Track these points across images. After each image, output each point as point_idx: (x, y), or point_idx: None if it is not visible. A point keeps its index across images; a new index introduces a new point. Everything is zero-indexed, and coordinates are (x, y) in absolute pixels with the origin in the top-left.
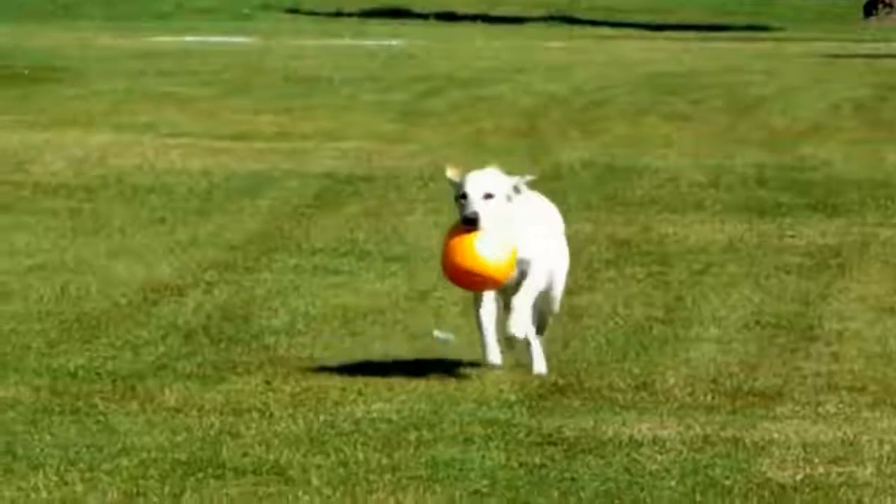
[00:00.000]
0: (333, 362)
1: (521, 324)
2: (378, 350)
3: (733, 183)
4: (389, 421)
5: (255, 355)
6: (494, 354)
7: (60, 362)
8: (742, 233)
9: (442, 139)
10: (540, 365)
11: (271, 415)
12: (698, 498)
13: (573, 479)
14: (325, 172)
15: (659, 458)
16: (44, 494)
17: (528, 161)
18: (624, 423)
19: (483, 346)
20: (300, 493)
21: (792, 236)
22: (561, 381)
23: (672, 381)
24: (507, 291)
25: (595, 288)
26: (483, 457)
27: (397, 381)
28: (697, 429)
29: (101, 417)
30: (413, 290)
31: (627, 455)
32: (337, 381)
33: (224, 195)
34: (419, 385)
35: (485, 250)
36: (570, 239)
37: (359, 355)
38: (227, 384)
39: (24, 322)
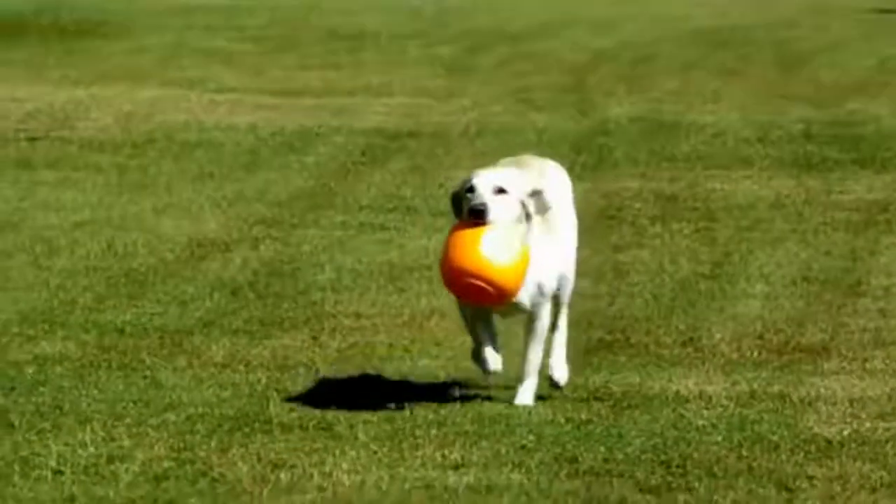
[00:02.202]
0: (380, 318)
1: (533, 395)
2: (424, 306)
3: (781, 138)
4: (436, 376)
5: (302, 311)
6: (493, 359)
7: (108, 318)
8: (790, 188)
9: (489, 95)
10: (526, 396)
11: (318, 370)
12: (745, 453)
13: (619, 435)
14: (371, 128)
15: (705, 413)
16: (91, 449)
17: (575, 116)
18: (670, 379)
19: (476, 349)
20: (347, 448)
21: (840, 192)
22: (607, 337)
23: (719, 336)
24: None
25: (642, 244)
26: (529, 412)
27: (444, 337)
28: (744, 384)
29: (149, 373)
30: None
31: (674, 410)
32: (383, 336)
33: (271, 151)
34: (465, 341)
35: (490, 250)
36: (616, 195)
37: (405, 311)
38: (274, 340)
39: (71, 277)
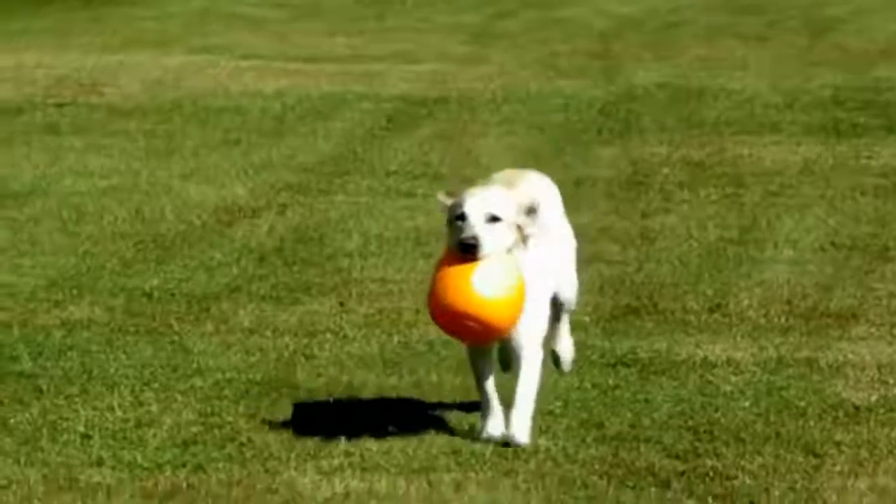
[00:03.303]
0: (407, 284)
1: (526, 429)
2: None
3: (809, 104)
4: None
5: (329, 277)
6: (496, 423)
7: (135, 283)
8: (818, 154)
9: (515, 61)
10: (521, 434)
11: (345, 336)
12: (772, 419)
13: (646, 401)
14: (398, 95)
15: (733, 379)
16: (119, 414)
17: (602, 83)
18: (698, 345)
19: (484, 408)
20: (374, 414)
21: (868, 157)
22: (634, 303)
23: (746, 302)
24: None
25: (669, 210)
26: (556, 378)
27: None
28: (771, 350)
29: (176, 338)
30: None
31: (701, 376)
32: (410, 302)
33: (297, 117)
34: None
35: (485, 287)
36: (643, 161)
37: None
38: (301, 306)
39: (98, 243)
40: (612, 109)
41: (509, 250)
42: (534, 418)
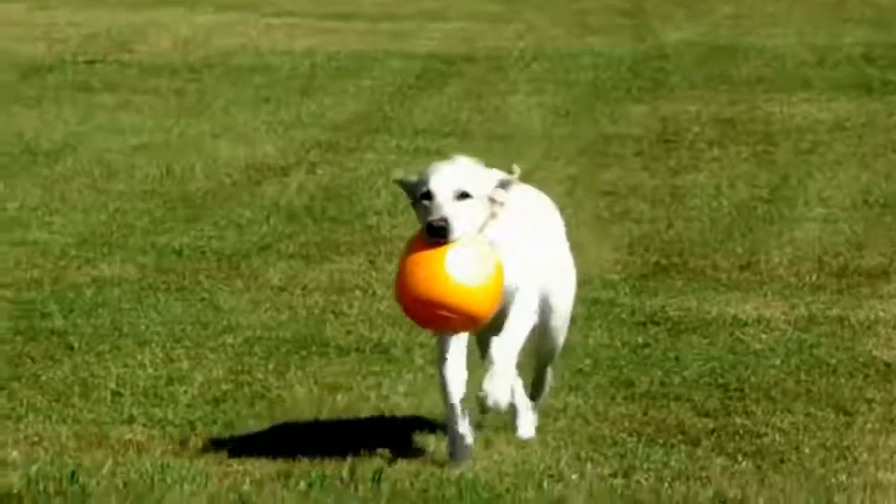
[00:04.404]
0: None
1: (501, 387)
2: None
3: (840, 61)
4: None
5: (358, 235)
6: (462, 446)
7: (165, 241)
8: (849, 111)
9: (545, 19)
10: (526, 429)
11: (374, 293)
12: (803, 377)
13: (676, 359)
14: (427, 53)
15: (763, 337)
16: (150, 371)
17: (632, 40)
18: (728, 303)
19: (450, 428)
20: (403, 372)
21: None
22: (664, 261)
23: (777, 260)
24: (486, 331)
25: (699, 168)
26: (586, 336)
27: None
28: (802, 308)
29: (206, 295)
30: None
31: (731, 334)
32: None
33: (327, 75)
34: None
35: (458, 273)
36: (674, 119)
37: None
38: (331, 263)
39: (129, 201)
40: (642, 67)
41: (482, 229)
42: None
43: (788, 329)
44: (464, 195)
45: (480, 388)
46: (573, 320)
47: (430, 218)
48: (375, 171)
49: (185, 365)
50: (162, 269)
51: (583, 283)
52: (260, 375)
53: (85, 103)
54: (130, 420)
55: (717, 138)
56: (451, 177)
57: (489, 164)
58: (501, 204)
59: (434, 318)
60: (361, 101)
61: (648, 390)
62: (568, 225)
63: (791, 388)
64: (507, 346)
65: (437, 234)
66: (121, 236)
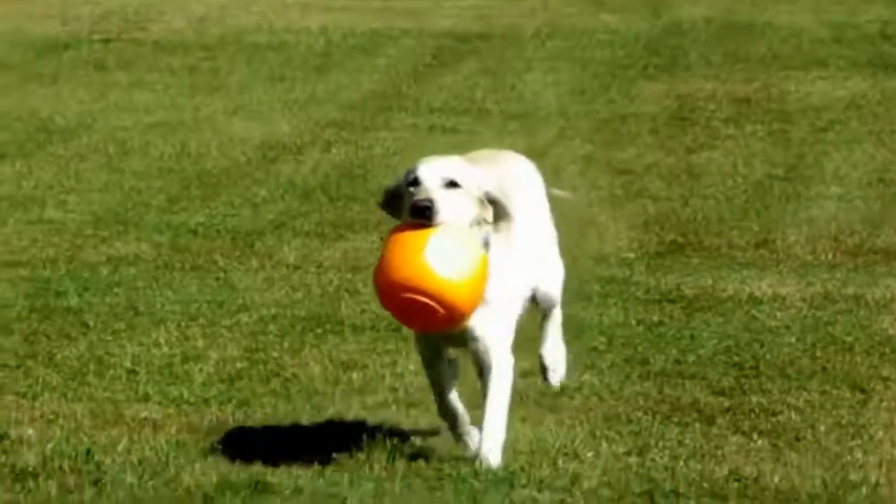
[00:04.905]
0: None
1: (496, 449)
2: None
3: (857, 39)
4: None
5: (373, 213)
6: (470, 439)
7: (181, 219)
8: (865, 89)
9: None
10: (492, 455)
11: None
12: (818, 354)
13: (692, 337)
14: (442, 31)
15: (779, 315)
16: (165, 349)
17: (648, 17)
18: (743, 281)
19: (453, 429)
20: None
21: None
22: (680, 239)
23: (793, 238)
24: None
25: (715, 146)
26: (601, 314)
27: None
28: (818, 286)
29: (222, 274)
30: (531, 147)
31: (747, 312)
32: None
33: (342, 53)
34: None
35: (439, 258)
36: (689, 96)
37: None
38: (345, 242)
39: (144, 179)
40: (658, 45)
41: (471, 226)
42: (506, 432)
43: (804, 307)
44: (452, 184)
45: (477, 453)
46: (588, 298)
47: (416, 199)
48: (390, 149)
49: (201, 343)
50: (177, 247)
51: (599, 261)
52: (275, 353)
53: (100, 82)
54: (146, 398)
55: (733, 116)
56: (440, 166)
57: (505, 143)
58: (508, 226)
59: (410, 309)
60: (376, 80)
61: (663, 368)
62: (584, 203)
63: (806, 365)
64: (499, 402)
65: (421, 214)
66: (136, 215)
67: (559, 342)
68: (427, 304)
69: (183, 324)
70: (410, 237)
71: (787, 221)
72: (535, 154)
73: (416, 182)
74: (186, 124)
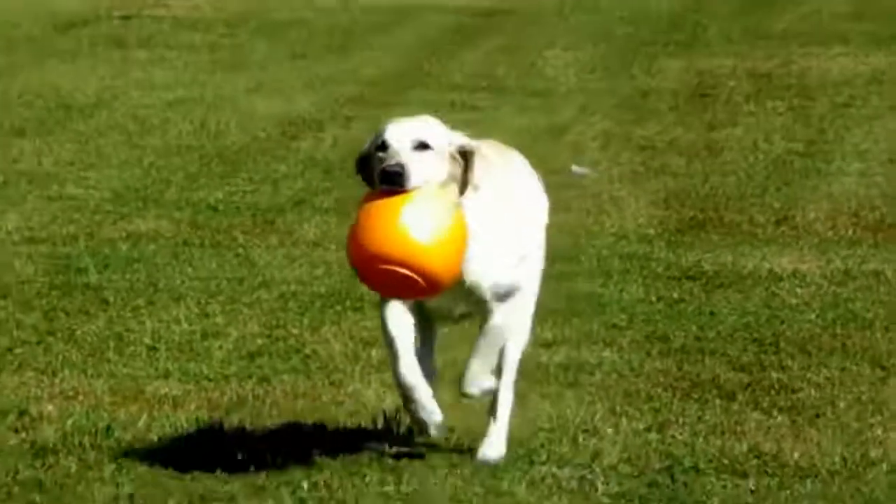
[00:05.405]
0: None
1: (476, 380)
2: None
3: (878, 14)
4: None
5: None
6: (431, 408)
7: (200, 196)
8: (886, 65)
9: None
10: (492, 448)
11: None
12: (839, 331)
13: (712, 314)
14: (463, 7)
15: (799, 291)
16: (185, 326)
17: None
18: (764, 258)
19: (405, 395)
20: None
21: None
22: (700, 216)
23: (813, 215)
24: (442, 312)
25: (735, 122)
26: (621, 291)
27: None
28: (838, 262)
29: (241, 251)
30: (552, 124)
31: (767, 289)
32: None
33: (362, 30)
34: (558, 219)
35: (414, 226)
36: (710, 73)
37: None
38: None
39: (163, 156)
40: (679, 21)
41: (445, 186)
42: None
43: (824, 283)
44: (422, 145)
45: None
46: (608, 275)
47: (385, 164)
48: None
49: (220, 320)
50: (197, 224)
51: (619, 237)
52: (295, 330)
53: (120, 58)
54: (166, 375)
55: (754, 92)
56: (408, 127)
57: (526, 119)
58: (476, 187)
59: (381, 272)
60: (397, 56)
61: (683, 345)
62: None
63: (826, 342)
64: (507, 381)
65: (391, 180)
66: (156, 191)
67: (487, 371)
68: (408, 275)
69: (203, 300)
70: (383, 205)
71: (808, 198)
72: (556, 131)
73: (384, 146)
74: (206, 101)
